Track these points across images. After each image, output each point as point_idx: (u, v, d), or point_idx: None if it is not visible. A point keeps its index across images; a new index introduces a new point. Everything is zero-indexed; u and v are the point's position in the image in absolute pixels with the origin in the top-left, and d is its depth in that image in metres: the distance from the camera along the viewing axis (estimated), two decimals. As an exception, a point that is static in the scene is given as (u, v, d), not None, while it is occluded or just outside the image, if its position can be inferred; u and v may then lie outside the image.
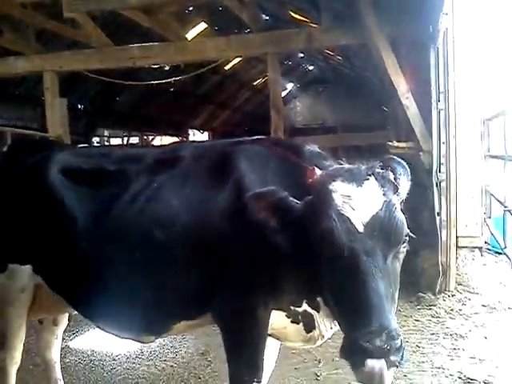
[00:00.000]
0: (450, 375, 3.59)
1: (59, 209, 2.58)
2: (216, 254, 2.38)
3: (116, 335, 2.72)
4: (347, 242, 1.84)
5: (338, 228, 1.86)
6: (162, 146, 12.53)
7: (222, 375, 2.53)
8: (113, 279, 2.51)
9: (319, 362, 3.90)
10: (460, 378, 3.54)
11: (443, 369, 3.69)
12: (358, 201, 1.92)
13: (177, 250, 2.42)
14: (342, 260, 1.85)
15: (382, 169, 2.06)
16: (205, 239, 2.39)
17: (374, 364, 1.67)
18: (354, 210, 1.89)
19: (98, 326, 2.76)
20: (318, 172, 2.10)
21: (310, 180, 2.10)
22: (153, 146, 16.32)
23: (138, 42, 8.51)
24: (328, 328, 2.51)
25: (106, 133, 18.67)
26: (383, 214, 1.89)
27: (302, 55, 18.61)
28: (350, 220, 1.88)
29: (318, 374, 3.71)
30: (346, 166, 2.15)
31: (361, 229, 1.86)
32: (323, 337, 2.54)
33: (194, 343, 4.38)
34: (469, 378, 3.52)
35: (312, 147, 2.57)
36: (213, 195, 2.44)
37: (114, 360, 4.13)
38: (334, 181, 1.99)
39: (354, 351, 1.72)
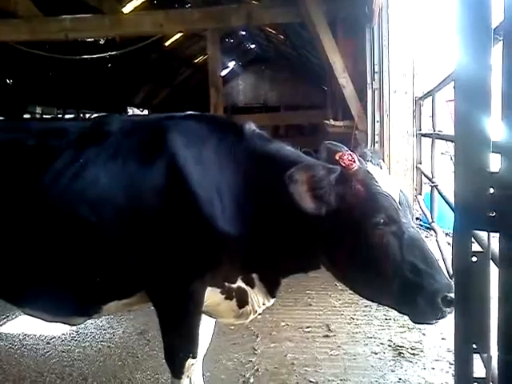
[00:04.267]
0: (381, 344, 3.77)
1: None
2: (148, 231, 2.33)
3: (44, 319, 2.63)
4: (400, 217, 2.07)
5: (394, 205, 2.08)
6: (87, 119, 12.01)
7: (160, 354, 2.53)
8: (37, 261, 2.40)
9: (257, 336, 3.97)
10: (390, 345, 3.73)
11: (375, 338, 3.87)
12: (387, 181, 2.17)
13: (105, 229, 2.34)
14: (401, 233, 2.05)
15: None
16: (136, 217, 2.33)
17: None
18: (390, 189, 2.13)
19: (25, 311, 2.65)
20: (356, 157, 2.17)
21: (349, 164, 2.11)
22: (78, 119, 15.73)
23: (71, 14, 8.11)
24: (261, 304, 2.56)
25: (39, 110, 17.76)
26: (402, 192, 2.18)
27: (243, 33, 18.45)
28: (393, 199, 2.10)
29: (256, 348, 3.78)
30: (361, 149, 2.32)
31: (400, 205, 2.11)
32: (255, 312, 2.58)
33: (132, 323, 4.33)
34: (398, 346, 3.71)
35: (251, 126, 2.54)
36: (144, 172, 2.36)
37: (48, 344, 4.01)
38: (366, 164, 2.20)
39: (434, 301, 1.96)
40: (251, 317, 2.61)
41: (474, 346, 1.44)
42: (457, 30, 1.32)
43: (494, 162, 1.36)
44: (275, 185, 2.21)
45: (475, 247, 1.64)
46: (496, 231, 1.36)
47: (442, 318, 2.01)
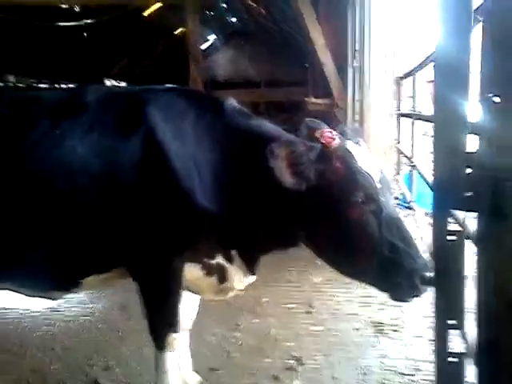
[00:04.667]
0: (363, 320, 3.86)
1: None
2: (125, 205, 2.32)
3: (24, 294, 2.62)
4: (379, 195, 2.10)
5: (373, 184, 2.10)
6: (64, 89, 11.64)
7: (142, 328, 2.57)
8: (14, 234, 2.38)
9: (240, 312, 4.03)
10: (371, 322, 3.82)
11: (356, 314, 3.95)
12: (366, 159, 2.18)
13: (82, 202, 2.33)
14: (380, 212, 2.08)
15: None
16: (113, 191, 2.31)
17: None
18: (369, 167, 2.15)
19: (4, 286, 2.61)
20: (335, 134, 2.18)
21: (330, 142, 2.15)
22: (54, 89, 15.28)
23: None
24: (240, 279, 2.59)
25: (12, 79, 17.19)
26: (381, 171, 2.21)
27: (224, 6, 18.07)
28: (373, 178, 2.13)
29: (239, 323, 3.84)
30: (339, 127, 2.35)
31: (379, 184, 2.14)
32: (235, 288, 2.62)
33: (113, 298, 4.34)
34: (378, 323, 3.80)
35: (232, 102, 2.54)
36: (121, 145, 2.34)
37: (30, 318, 4.01)
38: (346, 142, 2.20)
39: (411, 280, 2.04)
40: (231, 293, 2.65)
41: (451, 322, 1.51)
42: (437, 10, 1.34)
43: (472, 143, 1.40)
44: (255, 160, 2.24)
45: (452, 227, 1.70)
46: (472, 211, 1.40)
47: (418, 296, 2.11)
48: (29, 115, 2.44)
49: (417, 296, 2.12)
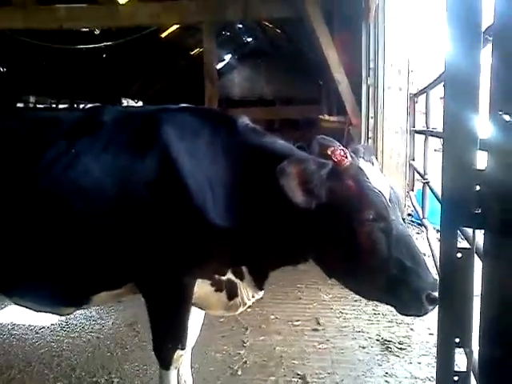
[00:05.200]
0: (369, 338, 3.81)
1: None
2: (139, 223, 2.33)
3: (33, 309, 2.62)
4: (390, 214, 2.09)
5: (384, 202, 2.09)
6: (81, 109, 11.96)
7: (149, 345, 2.54)
8: (27, 251, 2.40)
9: (246, 329, 3.99)
10: (378, 340, 3.76)
11: (363, 332, 3.90)
12: (378, 177, 2.18)
13: (96, 220, 2.34)
14: (390, 230, 2.07)
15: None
16: (127, 209, 2.32)
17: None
18: (381, 186, 2.15)
19: (13, 301, 2.64)
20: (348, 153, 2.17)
21: (341, 160, 2.13)
22: (71, 109, 15.62)
23: (66, 3, 8.03)
24: (250, 296, 2.57)
25: (32, 99, 17.61)
26: (393, 189, 2.21)
27: (240, 26, 18.34)
28: (384, 196, 2.11)
29: (245, 341, 3.80)
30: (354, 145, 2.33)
31: (390, 203, 2.13)
32: (245, 304, 2.59)
33: (122, 314, 4.33)
34: (386, 340, 3.75)
35: (245, 120, 2.53)
36: (136, 163, 2.35)
37: (37, 333, 4.01)
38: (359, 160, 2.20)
39: (418, 298, 2.02)
40: (240, 309, 2.62)
41: (457, 340, 1.46)
42: (447, 29, 1.34)
43: (481, 160, 1.37)
44: (267, 178, 2.22)
45: (462, 244, 1.66)
46: (481, 228, 1.38)
47: (425, 314, 2.08)
48: (46, 135, 2.49)
49: (423, 314, 2.10)
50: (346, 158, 2.13)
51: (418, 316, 2.25)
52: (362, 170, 2.15)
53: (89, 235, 2.36)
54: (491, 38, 1.34)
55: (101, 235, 2.36)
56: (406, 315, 2.35)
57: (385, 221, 2.07)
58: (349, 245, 2.12)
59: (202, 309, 2.67)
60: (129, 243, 2.36)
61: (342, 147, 2.19)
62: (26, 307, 2.63)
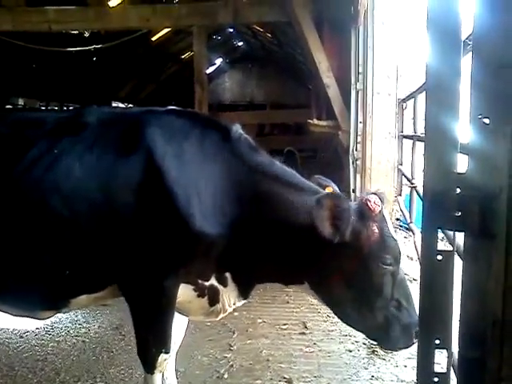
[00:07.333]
0: (356, 341, 3.80)
1: None
2: (121, 226, 2.30)
3: (10, 313, 2.58)
4: (399, 260, 2.32)
5: (400, 249, 2.33)
6: (65, 110, 11.92)
7: (135, 349, 2.52)
8: (4, 253, 2.36)
9: (233, 333, 3.97)
10: (364, 343, 3.76)
11: (350, 336, 3.89)
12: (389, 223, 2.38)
13: (77, 221, 2.31)
14: (398, 274, 2.30)
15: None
16: (109, 211, 2.29)
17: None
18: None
19: None
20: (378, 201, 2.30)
21: (375, 208, 2.26)
22: (55, 110, 15.54)
23: (55, 5, 7.99)
24: (231, 303, 2.56)
25: (21, 102, 17.48)
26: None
27: (231, 30, 18.40)
28: (398, 243, 2.33)
29: (232, 344, 3.78)
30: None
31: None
32: (225, 311, 2.58)
33: (108, 318, 4.30)
34: (372, 344, 3.73)
35: (238, 129, 2.51)
36: (119, 165, 2.32)
37: (21, 337, 3.97)
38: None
39: (409, 333, 2.29)
40: (221, 315, 2.61)
41: (437, 341, 1.46)
42: (428, 36, 1.36)
43: (462, 164, 1.39)
44: (266, 200, 2.33)
45: (443, 246, 1.67)
46: (461, 230, 1.39)
47: (410, 346, 2.38)
48: (29, 135, 2.45)
49: (408, 347, 2.41)
50: (379, 206, 2.27)
51: (405, 348, 2.48)
52: (384, 217, 2.31)
53: (69, 237, 2.32)
54: (471, 45, 1.36)
55: (81, 237, 2.32)
56: (392, 349, 2.63)
57: (397, 265, 2.29)
58: (359, 282, 2.28)
59: (181, 313, 2.64)
60: (110, 246, 2.32)
61: (376, 197, 2.31)
62: (3, 311, 2.58)
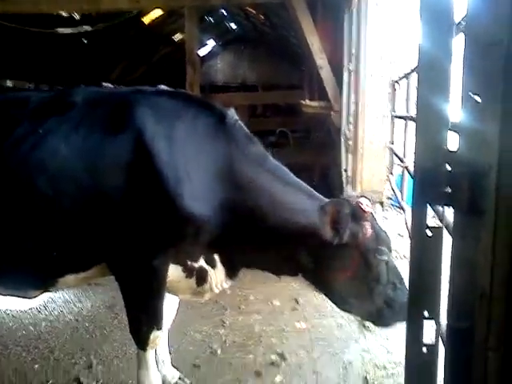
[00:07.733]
0: (347, 316, 3.83)
1: None
2: (109, 206, 2.28)
3: None
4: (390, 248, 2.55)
5: (390, 239, 2.56)
6: (51, 90, 11.78)
7: (126, 327, 2.55)
8: None
9: (226, 309, 4.02)
10: (355, 318, 3.79)
11: (340, 311, 3.94)
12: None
13: (64, 201, 2.29)
14: (391, 263, 2.53)
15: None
16: (96, 191, 2.27)
17: None
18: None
19: None
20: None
21: (365, 211, 2.44)
22: (43, 90, 15.35)
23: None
24: (218, 284, 2.59)
25: (10, 83, 17.21)
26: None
27: (223, 12, 18.14)
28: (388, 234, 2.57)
29: (225, 320, 3.83)
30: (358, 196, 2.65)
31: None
32: (212, 291, 2.61)
33: (101, 297, 4.32)
34: (361, 318, 3.80)
35: (233, 114, 2.50)
36: (106, 145, 2.30)
37: (14, 317, 3.98)
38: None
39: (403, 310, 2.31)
40: (207, 295, 2.65)
41: (426, 313, 1.49)
42: (420, 17, 1.36)
43: (453, 143, 1.41)
44: (258, 190, 2.38)
45: (431, 221, 1.70)
46: (450, 205, 1.42)
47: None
48: (15, 115, 2.42)
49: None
50: (369, 207, 2.49)
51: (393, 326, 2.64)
52: (373, 215, 2.55)
53: (56, 217, 2.30)
54: (463, 26, 1.36)
55: (68, 217, 2.30)
56: (388, 327, 2.72)
57: (389, 253, 2.51)
58: (359, 274, 2.45)
59: (169, 292, 2.65)
60: (97, 226, 2.31)
61: (365, 200, 2.53)
62: None
